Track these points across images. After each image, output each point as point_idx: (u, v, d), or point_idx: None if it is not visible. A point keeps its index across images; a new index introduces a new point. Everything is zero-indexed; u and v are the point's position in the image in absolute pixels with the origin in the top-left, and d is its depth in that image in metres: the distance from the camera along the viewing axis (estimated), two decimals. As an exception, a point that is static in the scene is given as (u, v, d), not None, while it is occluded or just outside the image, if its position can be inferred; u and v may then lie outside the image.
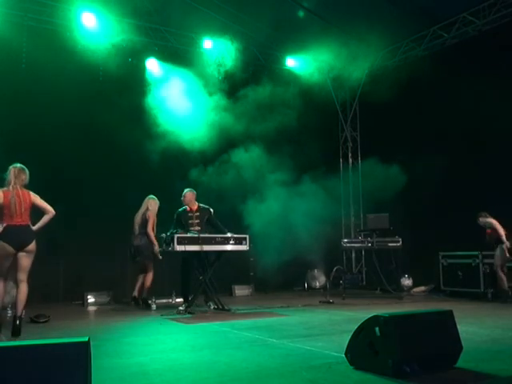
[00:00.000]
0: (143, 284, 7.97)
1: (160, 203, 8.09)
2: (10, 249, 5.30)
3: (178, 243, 6.80)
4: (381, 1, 8.93)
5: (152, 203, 8.12)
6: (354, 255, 11.99)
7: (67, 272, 8.45)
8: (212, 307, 7.45)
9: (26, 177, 5.54)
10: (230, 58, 9.84)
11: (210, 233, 7.41)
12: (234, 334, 5.21)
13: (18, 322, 5.18)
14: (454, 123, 9.34)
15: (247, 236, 7.35)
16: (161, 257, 7.87)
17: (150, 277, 7.97)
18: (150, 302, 7.76)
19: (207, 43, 10.10)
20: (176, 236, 6.85)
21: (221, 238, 7.18)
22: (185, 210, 7.69)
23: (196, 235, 7.02)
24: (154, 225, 7.99)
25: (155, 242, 7.83)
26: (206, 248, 7.04)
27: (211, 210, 7.74)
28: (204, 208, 7.72)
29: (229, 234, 7.25)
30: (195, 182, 8.57)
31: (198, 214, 7.63)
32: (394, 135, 10.15)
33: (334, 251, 10.68)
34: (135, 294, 7.96)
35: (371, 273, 10.82)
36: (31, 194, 5.52)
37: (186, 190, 7.76)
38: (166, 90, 9.48)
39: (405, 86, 9.71)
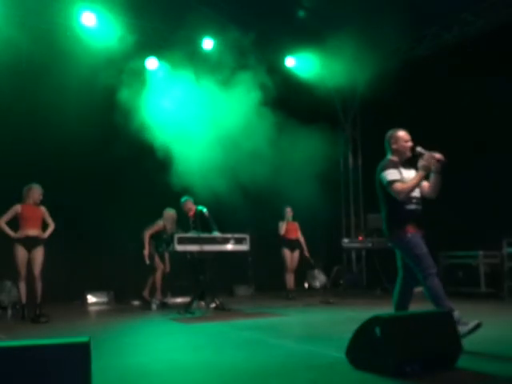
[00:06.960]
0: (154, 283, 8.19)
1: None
2: None
3: (179, 243, 6.84)
4: (381, 1, 8.92)
5: (164, 215, 8.20)
6: (354, 255, 11.98)
7: (67, 272, 8.44)
8: (211, 303, 7.52)
9: None
10: (230, 58, 9.82)
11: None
12: (235, 333, 5.22)
13: None
14: (454, 123, 9.32)
15: (247, 236, 7.35)
16: (148, 261, 7.96)
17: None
18: (151, 301, 7.86)
19: (207, 43, 10.09)
20: (176, 236, 6.89)
21: (221, 238, 7.18)
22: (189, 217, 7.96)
23: (196, 235, 7.05)
24: (163, 231, 8.14)
25: (146, 246, 7.93)
26: (206, 248, 7.06)
27: (204, 209, 7.79)
28: (199, 210, 7.80)
29: (229, 235, 7.26)
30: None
31: (193, 219, 7.81)
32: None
33: (334, 251, 10.67)
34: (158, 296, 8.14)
35: (371, 273, 10.82)
36: None
37: (181, 201, 7.95)
38: (166, 89, 9.46)
39: (405, 86, 9.69)
